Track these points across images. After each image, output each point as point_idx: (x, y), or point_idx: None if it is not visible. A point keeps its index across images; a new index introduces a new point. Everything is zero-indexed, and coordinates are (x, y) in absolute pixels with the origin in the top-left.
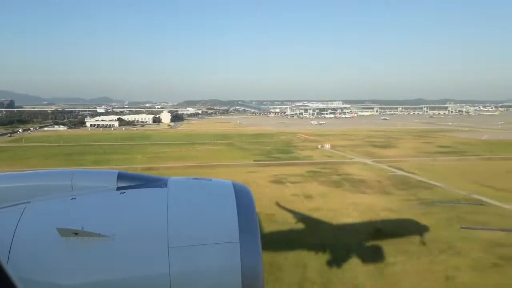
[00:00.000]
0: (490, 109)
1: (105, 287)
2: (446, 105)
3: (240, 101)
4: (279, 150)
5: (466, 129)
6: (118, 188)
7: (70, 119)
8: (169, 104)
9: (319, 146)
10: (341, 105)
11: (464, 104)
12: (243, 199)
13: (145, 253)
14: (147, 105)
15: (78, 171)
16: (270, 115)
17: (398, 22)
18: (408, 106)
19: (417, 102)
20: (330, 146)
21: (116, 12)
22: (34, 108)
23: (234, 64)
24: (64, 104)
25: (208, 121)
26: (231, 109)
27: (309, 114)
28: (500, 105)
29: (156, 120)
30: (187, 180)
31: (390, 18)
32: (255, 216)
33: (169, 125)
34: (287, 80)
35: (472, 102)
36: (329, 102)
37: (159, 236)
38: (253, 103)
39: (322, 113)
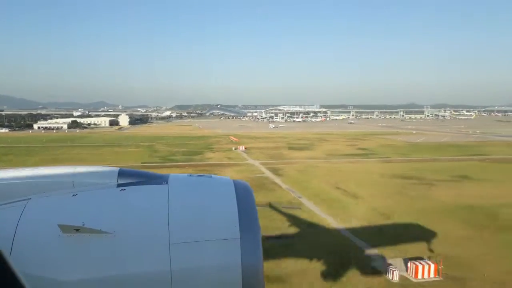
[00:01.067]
0: (474, 114)
1: (106, 283)
2: (423, 109)
3: (219, 104)
4: (190, 152)
5: (415, 132)
6: (119, 185)
7: (18, 122)
8: (163, 108)
9: (234, 148)
10: (318, 109)
11: (450, 109)
12: (243, 196)
13: (146, 249)
14: (138, 109)
15: (79, 168)
16: (244, 119)
17: (395, 28)
18: (385, 111)
19: (411, 107)
20: (245, 148)
21: (114, 19)
22: (19, 112)
23: (229, 71)
24: (57, 109)
25: (172, 124)
26: (208, 113)
27: (280, 118)
28: (484, 109)
29: (113, 123)
30: (188, 177)
31: (388, 23)
32: (255, 213)
33: (119, 128)
34: (279, 86)
35: (467, 107)
36: (307, 106)
37: (160, 232)
38: (237, 107)
39: (292, 117)
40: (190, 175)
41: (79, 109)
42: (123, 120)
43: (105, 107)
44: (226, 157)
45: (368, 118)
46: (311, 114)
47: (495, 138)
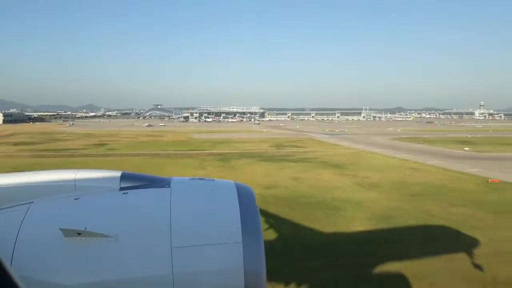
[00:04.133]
0: (413, 116)
1: (108, 286)
2: (362, 111)
3: (160, 105)
4: None
5: (265, 131)
6: (121, 189)
7: None
8: (146, 110)
9: None
10: (257, 110)
11: (412, 112)
12: (245, 199)
13: (148, 253)
14: (114, 112)
15: (82, 171)
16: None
17: (379, 31)
18: (323, 112)
19: (396, 110)
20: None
21: (103, 23)
22: None
23: (215, 74)
24: (34, 111)
25: (61, 124)
26: (148, 114)
27: (195, 118)
28: (442, 112)
29: None
30: (190, 181)
31: (377, 26)
32: (257, 217)
33: None
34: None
35: (452, 110)
36: (248, 108)
37: (162, 236)
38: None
39: (208, 117)
40: (192, 178)
41: (11, 110)
42: None
43: (85, 110)
44: None
45: (303, 119)
46: (236, 115)
47: (313, 136)
